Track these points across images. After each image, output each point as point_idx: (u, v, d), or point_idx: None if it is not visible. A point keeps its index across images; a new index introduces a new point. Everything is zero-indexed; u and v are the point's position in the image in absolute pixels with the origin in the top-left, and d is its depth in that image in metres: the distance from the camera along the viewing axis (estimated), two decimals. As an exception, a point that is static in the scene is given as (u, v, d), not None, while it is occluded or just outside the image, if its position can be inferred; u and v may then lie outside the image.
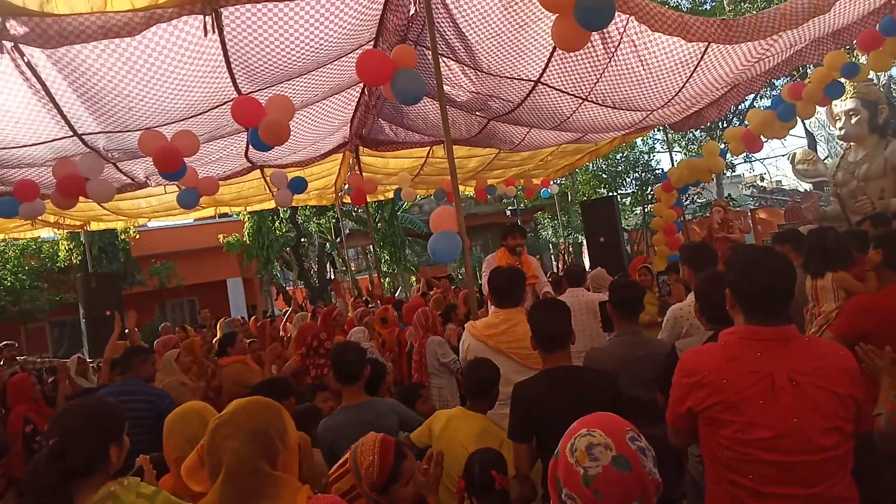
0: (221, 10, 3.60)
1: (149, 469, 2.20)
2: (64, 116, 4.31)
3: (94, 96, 4.06)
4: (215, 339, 6.20)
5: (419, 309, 5.18)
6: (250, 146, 6.29)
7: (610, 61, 5.19)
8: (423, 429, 2.95)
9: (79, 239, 13.80)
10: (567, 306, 2.69)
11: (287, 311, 11.59)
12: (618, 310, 3.38)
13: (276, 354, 5.32)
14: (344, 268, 20.99)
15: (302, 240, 19.40)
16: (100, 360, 5.86)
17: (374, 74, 4.08)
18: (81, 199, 5.41)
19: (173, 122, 4.78)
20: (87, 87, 3.95)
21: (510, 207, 17.51)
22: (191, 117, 4.79)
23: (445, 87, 5.79)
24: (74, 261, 14.63)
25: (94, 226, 9.82)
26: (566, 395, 2.43)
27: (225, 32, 3.86)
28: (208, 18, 3.52)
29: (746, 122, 8.21)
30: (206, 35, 3.55)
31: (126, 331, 6.04)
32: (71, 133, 4.53)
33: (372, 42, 4.82)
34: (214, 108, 4.83)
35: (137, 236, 16.17)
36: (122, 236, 15.64)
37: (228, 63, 4.19)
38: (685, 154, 16.98)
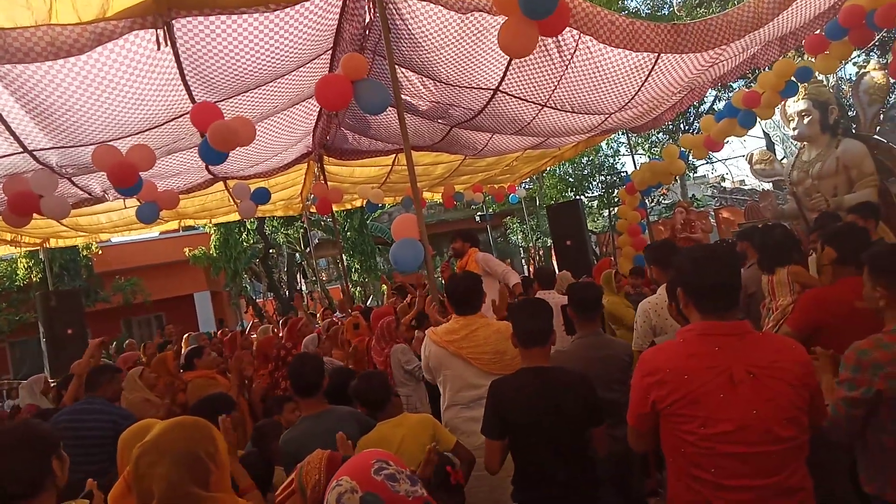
0: (174, 22, 3.56)
1: (98, 493, 2.15)
2: (13, 133, 4.20)
3: (43, 112, 3.97)
4: (183, 354, 6.08)
5: (381, 321, 5.15)
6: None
7: (567, 68, 5.27)
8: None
9: (38, 257, 13.44)
10: (549, 304, 2.72)
11: (252, 322, 11.45)
12: (577, 312, 3.43)
13: (242, 362, 5.19)
14: (314, 278, 20.82)
15: (270, 251, 19.20)
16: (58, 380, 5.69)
17: (335, 100, 4.10)
18: (37, 216, 5.27)
19: (129, 136, 4.70)
20: (35, 103, 3.86)
21: (479, 213, 17.59)
22: (146, 130, 4.71)
23: (405, 97, 5.82)
24: (34, 279, 14.24)
25: (54, 243, 9.56)
26: (541, 395, 2.46)
27: (178, 45, 3.82)
28: (160, 31, 3.47)
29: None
30: (158, 49, 3.49)
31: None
32: (21, 150, 4.41)
33: (330, 51, 4.81)
34: (171, 121, 4.76)
35: (100, 252, 15.80)
36: (84, 252, 15.28)
37: (183, 75, 4.14)
38: (648, 157, 17.29)
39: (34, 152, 4.55)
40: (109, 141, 4.59)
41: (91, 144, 4.57)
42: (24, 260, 14.34)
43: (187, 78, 4.19)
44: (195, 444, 1.51)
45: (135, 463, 1.50)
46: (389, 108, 4.48)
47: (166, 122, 4.73)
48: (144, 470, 1.47)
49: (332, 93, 4.07)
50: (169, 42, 3.68)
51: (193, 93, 4.42)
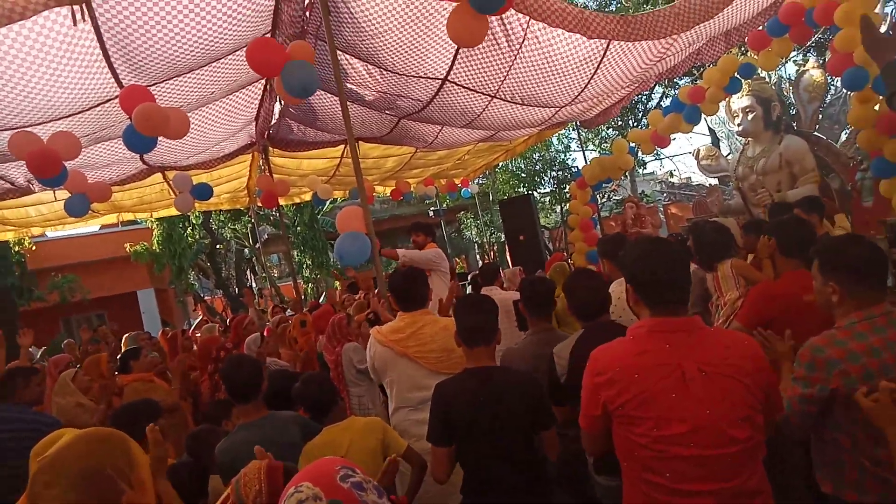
0: (93, -2, 3.29)
1: None
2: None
3: (-53, 92, 3.63)
4: (118, 355, 5.74)
5: (332, 319, 4.96)
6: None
7: (516, 58, 5.18)
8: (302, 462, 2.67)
9: (-35, 253, 12.66)
10: (492, 301, 2.61)
11: (197, 321, 11.06)
12: (529, 307, 3.33)
13: (184, 366, 4.92)
14: (264, 274, 20.32)
15: (217, 246, 18.61)
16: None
17: (266, 64, 3.85)
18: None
19: (50, 122, 4.36)
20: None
21: (433, 208, 17.49)
22: (70, 116, 4.38)
23: (351, 86, 5.62)
24: (-38, 277, 13.37)
25: (-21, 238, 8.98)
26: (488, 397, 2.34)
27: (100, 23, 3.53)
28: (76, 7, 3.20)
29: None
30: (75, 24, 3.22)
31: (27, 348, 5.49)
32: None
33: (269, 34, 4.57)
34: (98, 106, 4.44)
35: (34, 248, 14.96)
36: (16, 248, 14.43)
37: (107, 56, 3.84)
38: (599, 152, 17.50)
39: (-60, 137, 4.18)
40: (28, 126, 4.25)
41: (7, 129, 4.22)
42: (-51, 257, 13.46)
43: (112, 59, 3.89)
44: (102, 461, 1.32)
45: (31, 482, 1.31)
46: (334, 98, 4.30)
47: (92, 108, 4.41)
48: (39, 490, 1.28)
49: (264, 54, 3.83)
50: (89, 19, 3.41)
51: (120, 76, 4.12)
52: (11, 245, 13.96)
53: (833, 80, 8.60)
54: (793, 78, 9.04)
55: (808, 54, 13.90)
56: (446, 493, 2.65)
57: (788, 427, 2.06)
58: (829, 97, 8.46)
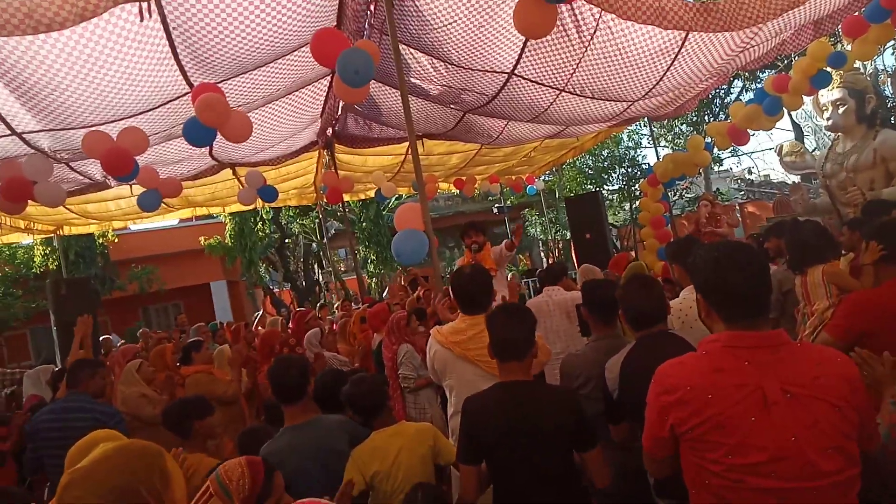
0: (162, -5, 3.33)
1: None
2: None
3: (27, 91, 3.76)
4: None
5: (392, 317, 4.90)
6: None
7: (586, 50, 4.95)
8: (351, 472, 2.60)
9: (54, 244, 13.45)
10: (530, 313, 2.43)
11: (259, 314, 11.35)
12: (592, 312, 3.13)
13: (242, 357, 4.95)
14: (330, 268, 20.70)
15: (286, 241, 19.10)
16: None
17: (329, 55, 3.80)
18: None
19: (122, 119, 4.48)
20: (18, 81, 3.64)
21: (497, 205, 17.30)
22: (140, 114, 4.50)
23: (415, 80, 5.54)
24: (51, 266, 14.25)
25: (67, 230, 9.51)
26: (520, 413, 2.18)
27: (169, 21, 3.58)
28: (144, 3, 3.24)
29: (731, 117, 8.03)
30: (142, 20, 3.26)
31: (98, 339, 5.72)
32: (8, 132, 4.22)
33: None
34: (167, 104, 4.54)
35: (116, 240, 15.79)
36: (101, 240, 15.27)
37: (176, 54, 3.91)
38: (672, 149, 16.83)
39: (23, 135, 4.35)
40: (101, 124, 4.38)
41: (82, 128, 4.37)
42: (40, 247, 14.37)
43: (180, 57, 3.96)
44: (136, 478, 1.23)
45: (60, 492, 1.25)
46: (398, 93, 4.23)
47: (161, 105, 4.51)
48: (69, 503, 1.22)
49: (327, 46, 3.78)
50: (158, 17, 3.46)
51: (189, 73, 4.19)
52: (96, 237, 14.79)
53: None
54: (891, 68, 8.34)
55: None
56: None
57: (884, 458, 1.81)
58: (932, 88, 7.76)
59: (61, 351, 8.99)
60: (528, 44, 4.88)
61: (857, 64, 7.89)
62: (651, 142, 11.56)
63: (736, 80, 16.47)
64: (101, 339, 9.36)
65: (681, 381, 1.64)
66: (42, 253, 14.48)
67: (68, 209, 7.80)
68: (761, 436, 1.51)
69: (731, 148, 11.68)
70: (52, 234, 9.51)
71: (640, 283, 2.61)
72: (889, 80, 8.04)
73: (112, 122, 4.44)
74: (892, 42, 11.19)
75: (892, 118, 7.76)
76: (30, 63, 3.52)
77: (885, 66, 10.83)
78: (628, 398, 1.79)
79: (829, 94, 7.91)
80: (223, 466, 1.76)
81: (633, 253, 12.01)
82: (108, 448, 1.30)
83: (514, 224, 16.64)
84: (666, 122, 16.75)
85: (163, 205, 7.62)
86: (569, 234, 14.07)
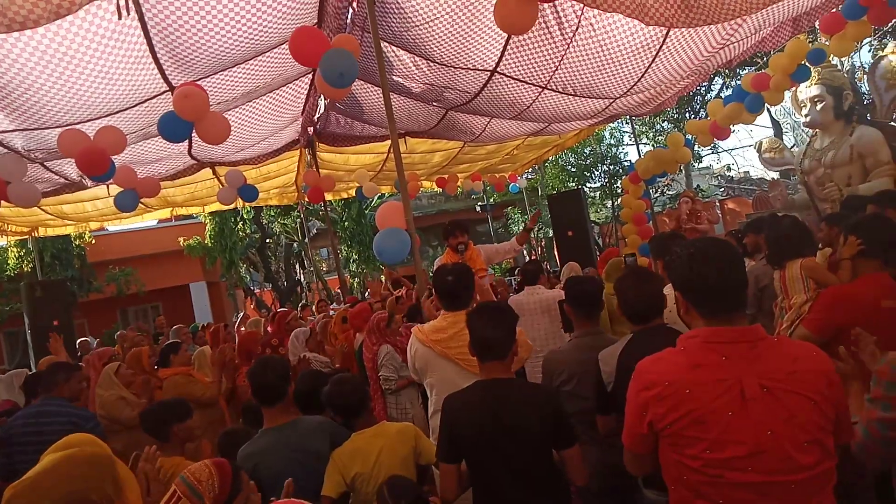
0: (138, -10, 3.26)
1: None
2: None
3: (0, 90, 3.66)
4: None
5: (372, 317, 4.86)
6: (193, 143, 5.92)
7: (568, 47, 4.95)
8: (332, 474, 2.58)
9: (29, 246, 13.19)
10: (511, 311, 2.42)
11: (240, 315, 11.23)
12: (575, 308, 3.13)
13: (225, 357, 4.85)
14: (312, 268, 20.57)
15: (267, 241, 18.94)
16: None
17: (308, 54, 3.74)
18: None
19: (98, 119, 4.39)
20: (-10, 79, 3.56)
21: (480, 203, 17.31)
22: (117, 112, 4.41)
23: (397, 78, 5.50)
24: (25, 269, 13.97)
25: (42, 232, 9.31)
26: (500, 412, 2.17)
27: (146, 18, 3.51)
28: (122, 0, 3.17)
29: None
30: (119, 17, 3.19)
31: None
32: (-21, 131, 4.12)
33: (315, 27, 4.50)
34: (145, 102, 4.45)
35: (93, 241, 15.53)
36: (77, 242, 15.01)
37: (154, 52, 3.83)
38: (653, 146, 16.96)
39: (-5, 134, 4.25)
40: (77, 123, 4.29)
41: (57, 127, 4.27)
42: (14, 249, 14.08)
43: (158, 55, 3.88)
44: (87, 486, 1.22)
45: None
46: (380, 90, 4.18)
47: (139, 104, 4.43)
48: None
49: (306, 45, 3.72)
50: (136, 13, 3.39)
51: (167, 71, 4.11)
52: (73, 238, 14.52)
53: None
54: (867, 65, 8.46)
55: (885, 39, 13.00)
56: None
57: (867, 457, 1.83)
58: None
59: (36, 354, 8.84)
60: (511, 41, 4.86)
61: (835, 60, 7.98)
62: (633, 139, 11.62)
63: (716, 78, 16.63)
64: (78, 342, 9.20)
65: (660, 377, 1.65)
66: (16, 255, 14.18)
67: (43, 210, 7.65)
68: (739, 430, 1.52)
69: (712, 145, 11.79)
70: (27, 236, 9.29)
71: (639, 278, 2.61)
72: (865, 76, 8.13)
73: (88, 121, 4.35)
74: (868, 39, 11.35)
75: (868, 114, 7.85)
76: (2, 62, 3.43)
77: (861, 62, 10.98)
78: (624, 390, 1.80)
79: (807, 91, 8.01)
80: (188, 469, 1.74)
81: (617, 248, 12.07)
82: (55, 458, 1.28)
83: (497, 222, 16.64)
84: (647, 119, 16.88)
85: (141, 205, 7.51)
86: (551, 231, 14.14)
